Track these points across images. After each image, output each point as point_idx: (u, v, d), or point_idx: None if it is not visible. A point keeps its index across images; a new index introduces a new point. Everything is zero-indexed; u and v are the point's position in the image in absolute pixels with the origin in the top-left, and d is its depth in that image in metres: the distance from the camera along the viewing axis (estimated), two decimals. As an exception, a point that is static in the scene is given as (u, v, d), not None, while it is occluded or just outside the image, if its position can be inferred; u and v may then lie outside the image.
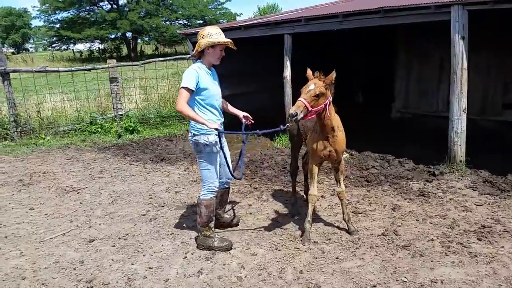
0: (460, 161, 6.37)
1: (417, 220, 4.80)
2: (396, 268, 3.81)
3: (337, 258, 4.02)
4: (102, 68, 9.88)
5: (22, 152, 8.45)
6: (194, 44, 10.09)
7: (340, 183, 4.47)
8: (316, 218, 4.94)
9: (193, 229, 4.76)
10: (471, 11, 5.87)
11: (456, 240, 4.27)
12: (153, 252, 4.25)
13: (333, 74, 3.83)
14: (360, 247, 4.23)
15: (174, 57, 11.06)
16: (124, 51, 44.16)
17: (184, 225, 4.91)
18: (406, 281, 3.60)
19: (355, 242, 4.32)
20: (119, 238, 4.61)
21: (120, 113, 9.82)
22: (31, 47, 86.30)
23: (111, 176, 6.93)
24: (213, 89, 4.18)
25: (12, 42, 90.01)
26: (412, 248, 4.16)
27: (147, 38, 43.15)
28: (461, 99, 6.18)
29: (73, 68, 9.78)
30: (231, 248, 4.25)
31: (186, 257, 4.13)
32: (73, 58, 40.75)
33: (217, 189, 4.33)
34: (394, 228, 4.62)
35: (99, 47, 43.85)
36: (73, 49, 44.26)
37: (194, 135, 4.11)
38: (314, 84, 3.81)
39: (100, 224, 5.02)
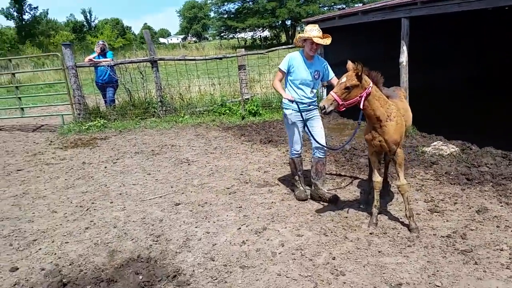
0: None
1: (497, 227, 4.25)
2: (437, 271, 3.55)
3: (379, 251, 3.92)
4: (231, 56, 10.88)
5: (163, 127, 10.03)
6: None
7: (399, 177, 4.26)
8: (386, 211, 4.81)
9: (260, 205, 5.17)
10: None
11: (533, 255, 3.69)
12: (217, 220, 4.81)
13: (359, 66, 3.75)
14: (413, 245, 4.01)
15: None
16: (283, 38, 46.13)
17: (255, 200, 5.34)
18: (438, 286, 3.35)
19: (410, 240, 4.11)
20: (198, 205, 5.32)
21: (246, 97, 10.70)
22: (209, 37, 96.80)
23: (221, 152, 7.77)
24: (301, 74, 5.03)
25: (194, 32, 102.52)
26: (472, 254, 3.77)
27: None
28: None
29: (207, 57, 11.00)
30: (301, 199, 5.23)
31: (240, 228, 4.57)
32: (238, 46, 44.46)
33: (297, 153, 5.34)
34: (465, 231, 4.20)
35: (260, 35, 46.74)
36: (238, 38, 48.24)
37: (282, 107, 5.29)
38: (346, 77, 3.81)
39: (191, 192, 5.83)
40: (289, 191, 5.60)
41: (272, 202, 5.27)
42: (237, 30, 45.63)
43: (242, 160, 7.21)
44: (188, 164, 7.15)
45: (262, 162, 6.97)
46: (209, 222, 4.79)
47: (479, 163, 6.23)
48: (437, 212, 4.70)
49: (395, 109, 4.04)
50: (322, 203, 5.16)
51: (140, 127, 10.07)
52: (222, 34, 49.77)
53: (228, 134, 9.17)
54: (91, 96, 12.13)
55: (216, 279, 3.70)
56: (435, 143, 6.79)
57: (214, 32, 53.79)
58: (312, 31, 4.85)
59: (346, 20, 9.47)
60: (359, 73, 3.78)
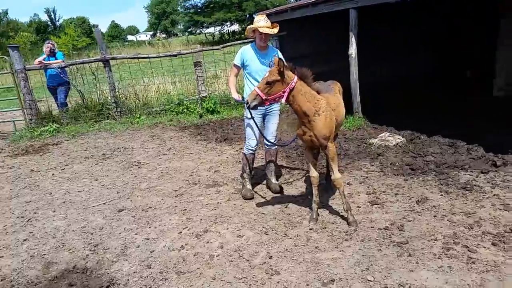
0: (533, 151, 5.36)
1: (434, 216, 4.31)
2: (371, 265, 3.56)
3: (316, 247, 3.91)
4: (186, 53, 10.69)
5: (118, 130, 9.78)
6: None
7: (333, 171, 4.25)
8: (328, 205, 4.81)
9: (205, 207, 5.09)
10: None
11: (464, 243, 3.75)
12: (158, 225, 4.70)
13: (278, 61, 3.77)
14: (350, 239, 4.02)
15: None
16: (251, 32, 45.91)
17: (201, 202, 5.25)
18: (370, 281, 3.35)
19: (348, 234, 4.12)
20: (142, 210, 5.19)
21: (203, 95, 10.55)
22: (178, 32, 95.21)
23: (174, 153, 7.63)
24: (255, 66, 5.03)
25: (163, 28, 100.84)
26: (407, 246, 3.80)
27: (271, 18, 44.17)
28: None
29: (161, 54, 10.80)
30: (247, 198, 5.16)
31: (181, 232, 4.48)
32: (206, 41, 44.01)
33: (251, 150, 5.28)
34: (403, 222, 4.24)
35: (228, 30, 46.42)
36: (205, 33, 47.77)
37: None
38: (268, 72, 3.83)
39: (137, 196, 5.69)
40: (237, 190, 5.54)
41: (218, 202, 5.19)
42: (204, 25, 45.18)
43: (195, 160, 7.09)
44: (139, 167, 6.99)
45: (214, 162, 6.88)
46: (150, 227, 4.68)
47: (425, 153, 6.32)
48: (378, 204, 4.73)
49: (324, 104, 4.02)
50: (267, 199, 5.13)
51: (94, 130, 9.78)
52: (190, 30, 49.16)
53: (184, 134, 9.02)
54: (43, 99, 11.71)
55: (150, 287, 3.60)
56: (381, 134, 6.85)
57: (182, 28, 53.09)
58: (259, 22, 4.86)
59: (298, 12, 9.45)
60: (281, 69, 3.77)
